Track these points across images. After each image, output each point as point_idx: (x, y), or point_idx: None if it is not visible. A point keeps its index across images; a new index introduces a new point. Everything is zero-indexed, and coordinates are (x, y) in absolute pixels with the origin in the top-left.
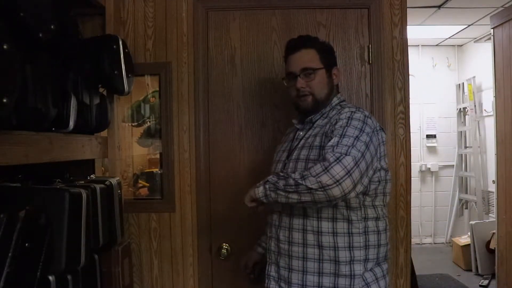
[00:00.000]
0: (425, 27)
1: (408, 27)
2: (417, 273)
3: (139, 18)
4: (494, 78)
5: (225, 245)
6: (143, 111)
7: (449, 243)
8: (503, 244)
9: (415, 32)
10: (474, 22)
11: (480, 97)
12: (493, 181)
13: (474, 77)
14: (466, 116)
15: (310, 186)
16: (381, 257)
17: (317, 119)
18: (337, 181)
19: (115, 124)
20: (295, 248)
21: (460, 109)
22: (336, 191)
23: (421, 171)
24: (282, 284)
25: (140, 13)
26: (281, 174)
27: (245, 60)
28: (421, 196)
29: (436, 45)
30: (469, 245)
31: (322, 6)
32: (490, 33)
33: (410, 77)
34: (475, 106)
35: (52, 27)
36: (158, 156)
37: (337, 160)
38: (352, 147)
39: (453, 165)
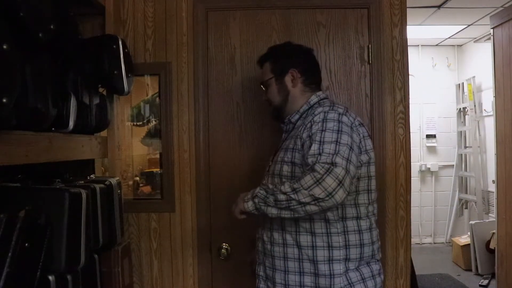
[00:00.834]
0: (425, 27)
1: (408, 27)
2: (417, 273)
3: (139, 18)
4: (494, 78)
5: (225, 245)
6: (147, 111)
7: (449, 243)
8: (503, 244)
9: (415, 32)
10: (474, 22)
11: (480, 97)
12: (493, 181)
13: (474, 77)
14: (466, 116)
15: (303, 201)
16: (366, 257)
17: (297, 119)
18: (330, 193)
19: (115, 124)
20: (276, 248)
21: (460, 109)
22: (329, 203)
23: (421, 171)
24: (269, 284)
25: (140, 13)
26: (270, 187)
27: (245, 60)
28: (421, 196)
29: (436, 45)
30: (469, 245)
31: (322, 6)
32: (490, 33)
33: (410, 77)
34: (475, 106)
35: (52, 27)
36: (158, 156)
37: (328, 172)
38: (337, 155)
39: (453, 165)
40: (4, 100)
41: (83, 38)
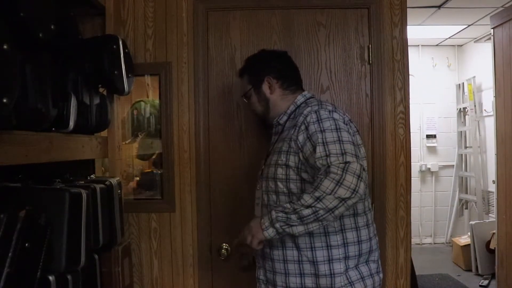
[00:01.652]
0: (425, 27)
1: (408, 27)
2: (417, 273)
3: (139, 18)
4: (494, 78)
5: (225, 245)
6: (133, 125)
7: (449, 243)
8: (503, 244)
9: (415, 32)
10: (474, 22)
11: (480, 97)
12: (493, 181)
13: (474, 77)
14: (466, 116)
15: (331, 206)
16: (364, 253)
17: (285, 120)
18: (354, 190)
19: (115, 124)
20: (275, 251)
21: (460, 109)
22: (355, 199)
23: (421, 171)
24: (270, 287)
25: (140, 13)
26: (287, 207)
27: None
28: (421, 196)
29: (436, 45)
30: (469, 245)
31: (322, 6)
32: (490, 33)
33: (410, 77)
34: (475, 106)
35: (52, 27)
36: (155, 156)
37: (345, 171)
38: (345, 153)
39: (453, 165)
40: (5, 100)
41: (83, 38)
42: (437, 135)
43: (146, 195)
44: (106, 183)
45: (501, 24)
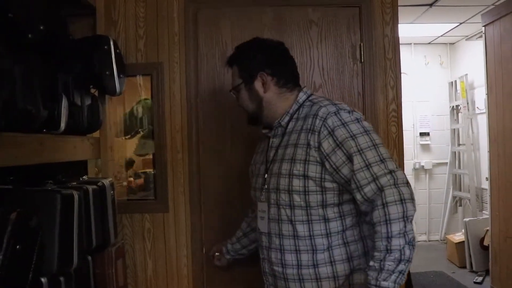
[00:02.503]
0: (417, 25)
1: (400, 25)
2: (411, 270)
3: (130, 18)
4: (486, 75)
5: None
6: (134, 122)
7: (444, 240)
8: (496, 241)
9: (407, 30)
10: (466, 20)
11: (473, 94)
12: (486, 178)
13: (466, 74)
14: (459, 114)
15: (409, 227)
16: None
17: (288, 121)
18: (411, 198)
19: (107, 124)
20: (286, 241)
21: (453, 106)
22: (414, 203)
23: (415, 169)
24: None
25: (131, 13)
26: (381, 264)
27: None
28: (415, 194)
29: (428, 43)
30: (463, 242)
31: (314, 4)
32: (482, 31)
33: (402, 75)
34: (467, 103)
35: (41, 27)
36: (151, 156)
37: (396, 185)
38: (384, 160)
39: (447, 163)
40: None
41: (74, 38)
42: (430, 133)
43: (140, 195)
44: (98, 184)
45: (492, 22)
